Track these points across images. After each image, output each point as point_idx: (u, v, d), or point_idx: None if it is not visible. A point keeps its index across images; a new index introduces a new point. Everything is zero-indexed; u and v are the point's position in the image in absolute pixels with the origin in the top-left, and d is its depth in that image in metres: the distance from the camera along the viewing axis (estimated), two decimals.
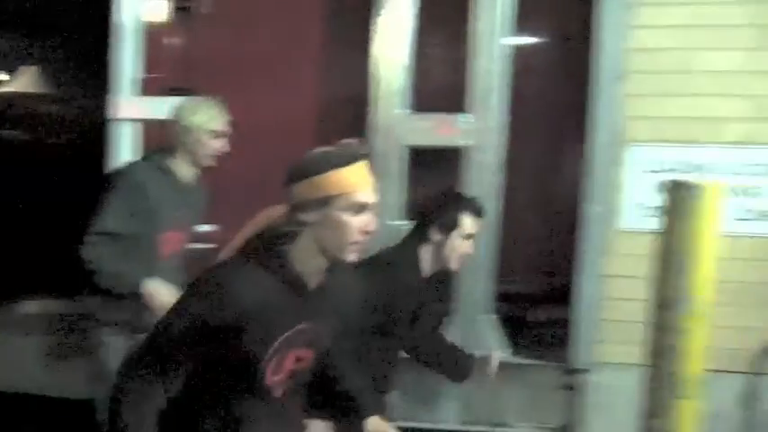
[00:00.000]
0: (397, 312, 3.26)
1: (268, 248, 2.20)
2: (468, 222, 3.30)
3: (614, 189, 4.41)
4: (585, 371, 4.46)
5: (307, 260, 2.20)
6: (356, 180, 2.16)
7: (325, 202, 2.14)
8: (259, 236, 2.24)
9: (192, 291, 2.20)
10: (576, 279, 4.44)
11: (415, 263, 3.32)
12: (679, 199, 2.78)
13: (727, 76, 4.38)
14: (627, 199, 4.42)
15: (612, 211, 4.42)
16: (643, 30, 4.39)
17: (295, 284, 2.20)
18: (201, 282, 2.18)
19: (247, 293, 2.12)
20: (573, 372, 4.48)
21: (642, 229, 4.15)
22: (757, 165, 4.35)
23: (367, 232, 2.18)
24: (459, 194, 3.54)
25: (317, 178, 2.14)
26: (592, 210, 4.40)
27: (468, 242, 3.32)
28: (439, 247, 3.30)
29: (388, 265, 3.26)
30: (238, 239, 2.28)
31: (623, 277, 4.24)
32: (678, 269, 2.79)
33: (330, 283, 2.28)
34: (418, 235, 3.33)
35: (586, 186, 4.41)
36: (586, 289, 4.42)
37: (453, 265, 3.35)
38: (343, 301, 2.38)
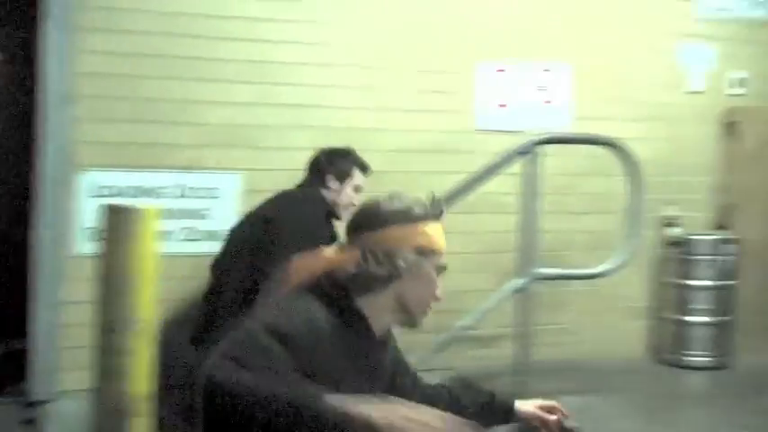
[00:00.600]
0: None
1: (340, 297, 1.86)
2: (358, 175, 3.77)
3: (64, 214, 4.36)
4: (45, 402, 4.32)
5: (383, 314, 1.90)
6: (442, 239, 1.92)
7: (425, 253, 1.88)
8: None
9: None
10: (31, 308, 4.30)
11: (323, 200, 3.66)
12: (116, 223, 2.84)
13: (172, 103, 4.58)
14: (77, 223, 4.38)
15: (63, 236, 4.36)
16: (92, 55, 4.40)
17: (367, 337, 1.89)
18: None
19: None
20: (32, 404, 4.32)
21: (92, 253, 4.14)
22: (201, 188, 4.61)
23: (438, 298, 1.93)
24: (349, 150, 3.87)
25: (421, 226, 1.89)
26: (42, 235, 4.31)
27: (356, 194, 3.72)
28: (334, 194, 3.71)
29: (307, 198, 3.62)
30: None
31: (78, 303, 4.18)
32: (120, 291, 2.84)
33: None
34: (317, 181, 3.71)
35: (36, 212, 4.30)
36: (42, 317, 4.31)
37: (341, 212, 3.68)
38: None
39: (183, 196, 4.56)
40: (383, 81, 5.05)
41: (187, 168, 4.60)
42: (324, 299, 1.82)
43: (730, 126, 5.83)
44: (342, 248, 1.90)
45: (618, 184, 4.82)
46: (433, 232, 1.90)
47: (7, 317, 4.63)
